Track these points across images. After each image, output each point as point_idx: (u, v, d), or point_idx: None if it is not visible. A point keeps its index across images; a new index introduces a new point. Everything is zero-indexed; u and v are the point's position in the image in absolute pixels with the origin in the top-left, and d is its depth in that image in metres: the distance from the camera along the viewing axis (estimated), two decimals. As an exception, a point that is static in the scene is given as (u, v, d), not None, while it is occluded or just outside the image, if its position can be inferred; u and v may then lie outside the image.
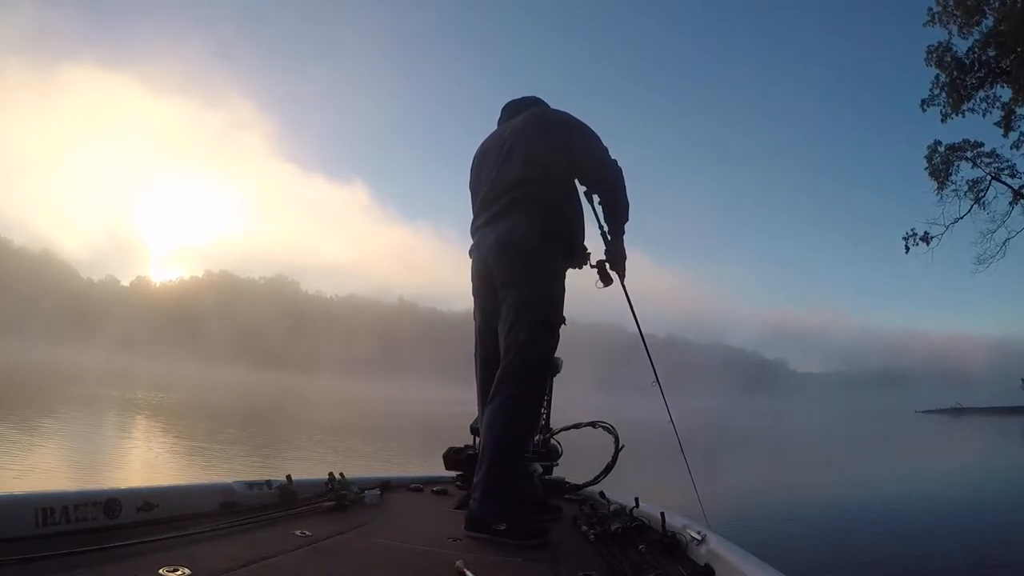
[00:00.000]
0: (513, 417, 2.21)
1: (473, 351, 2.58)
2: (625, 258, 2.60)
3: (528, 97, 2.74)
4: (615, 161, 2.50)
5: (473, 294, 2.58)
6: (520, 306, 2.27)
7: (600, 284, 2.62)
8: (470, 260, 2.59)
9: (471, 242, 2.59)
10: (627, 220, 2.56)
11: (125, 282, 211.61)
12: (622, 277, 2.63)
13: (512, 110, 2.69)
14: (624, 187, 2.52)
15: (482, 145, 2.67)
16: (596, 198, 2.56)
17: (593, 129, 2.50)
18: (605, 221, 2.57)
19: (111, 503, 1.77)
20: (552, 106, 2.72)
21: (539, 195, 2.36)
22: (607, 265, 2.59)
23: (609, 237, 2.57)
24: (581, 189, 2.54)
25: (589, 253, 2.58)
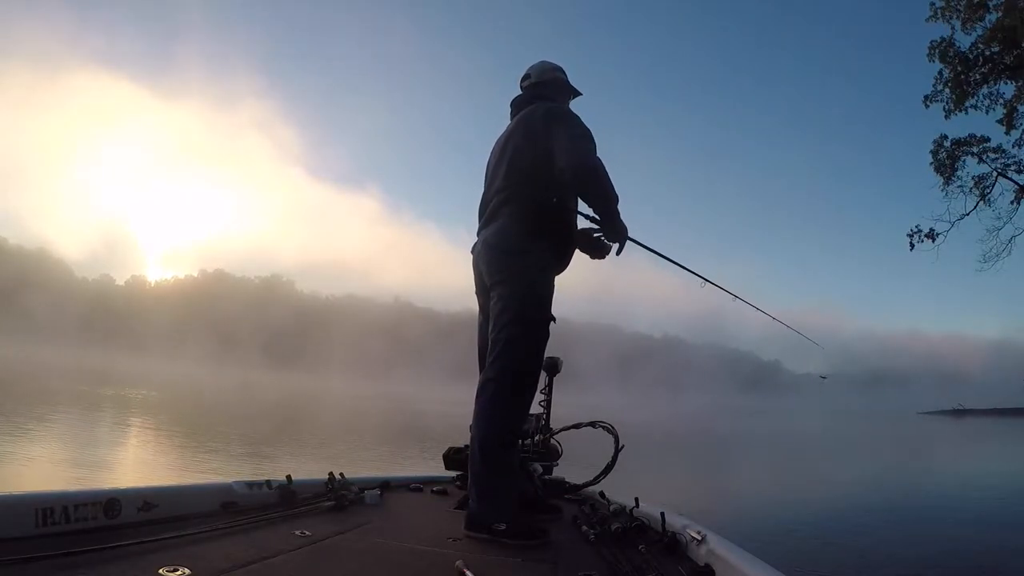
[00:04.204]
0: (496, 415, 2.24)
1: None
2: (625, 233, 2.43)
3: (536, 84, 2.66)
4: (593, 159, 2.33)
5: (476, 294, 2.62)
6: (503, 305, 2.32)
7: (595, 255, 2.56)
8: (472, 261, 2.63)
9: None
10: (616, 201, 2.39)
11: (120, 281, 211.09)
12: (621, 246, 2.46)
13: (516, 106, 2.68)
14: (599, 183, 2.33)
15: (493, 148, 2.69)
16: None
17: (579, 126, 2.40)
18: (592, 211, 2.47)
19: (111, 503, 1.77)
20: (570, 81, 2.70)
21: (524, 196, 2.38)
22: (602, 238, 2.49)
23: (599, 219, 2.44)
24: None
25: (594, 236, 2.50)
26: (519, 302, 2.31)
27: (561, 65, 2.74)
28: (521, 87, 2.72)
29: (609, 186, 2.35)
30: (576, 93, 2.75)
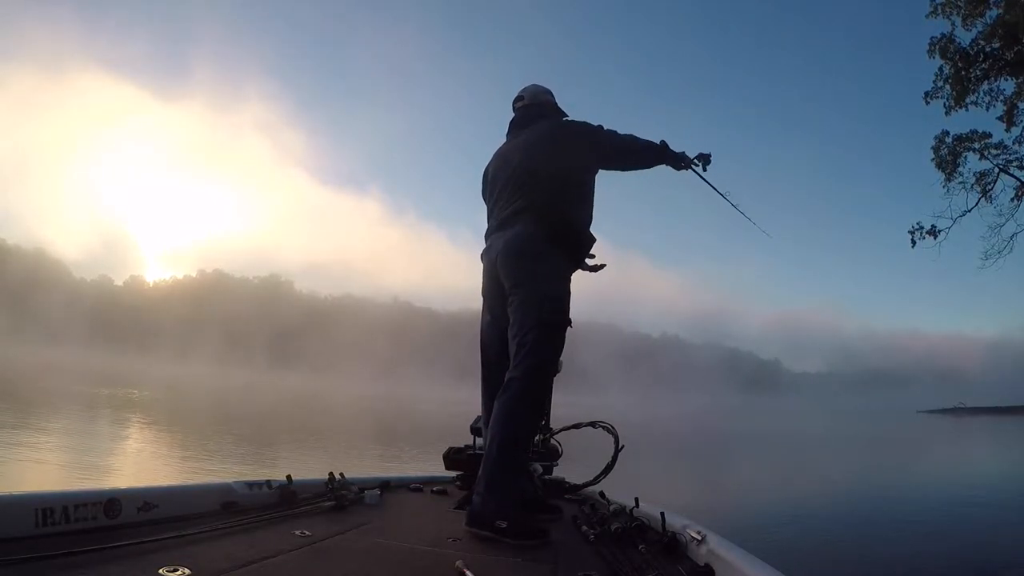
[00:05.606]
0: (517, 414, 2.28)
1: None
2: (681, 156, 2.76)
3: (531, 106, 2.81)
4: (614, 136, 2.60)
5: (482, 295, 2.66)
6: (524, 309, 2.36)
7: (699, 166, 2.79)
8: (482, 263, 2.67)
9: (483, 245, 2.69)
10: (664, 149, 2.70)
11: (119, 281, 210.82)
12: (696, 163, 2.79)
13: (519, 124, 2.79)
14: (648, 150, 2.66)
15: (494, 158, 2.78)
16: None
17: (585, 123, 2.60)
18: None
19: (111, 503, 1.77)
20: (558, 103, 2.86)
21: (545, 203, 2.46)
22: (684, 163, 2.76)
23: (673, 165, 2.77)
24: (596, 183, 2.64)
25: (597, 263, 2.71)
26: (541, 306, 2.35)
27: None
28: (514, 108, 2.85)
29: (651, 149, 2.69)
30: (563, 114, 2.86)
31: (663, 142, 2.70)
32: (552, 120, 2.74)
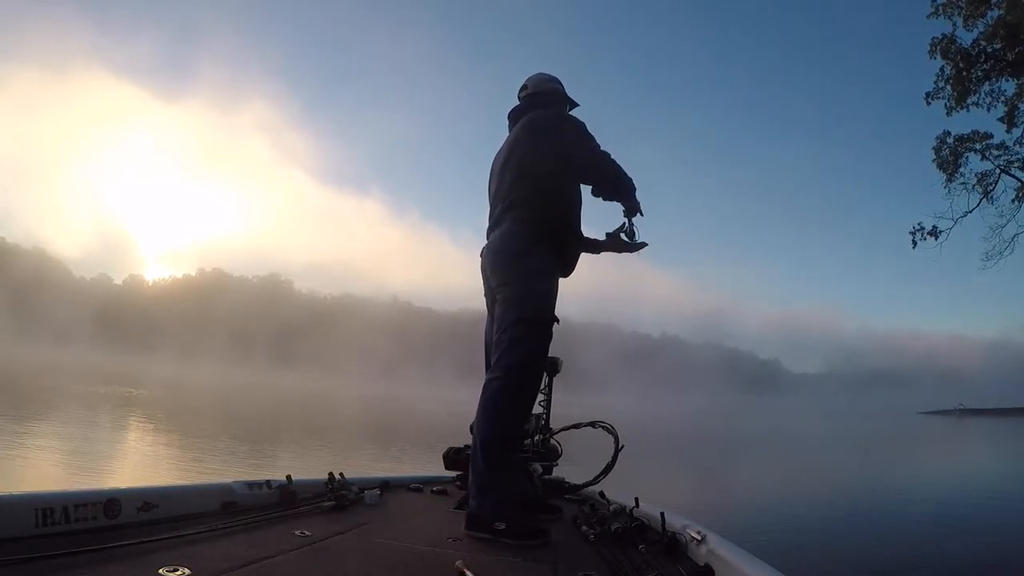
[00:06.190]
0: (498, 414, 2.26)
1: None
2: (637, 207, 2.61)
3: (535, 95, 2.73)
4: (596, 151, 2.50)
5: (484, 296, 2.64)
6: (506, 307, 2.35)
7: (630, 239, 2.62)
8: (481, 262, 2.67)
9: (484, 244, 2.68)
10: (634, 190, 2.57)
11: (118, 280, 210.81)
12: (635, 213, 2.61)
13: (515, 116, 2.73)
14: (612, 170, 2.52)
15: (495, 157, 2.73)
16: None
17: (578, 124, 2.52)
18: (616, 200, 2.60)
19: (111, 503, 1.77)
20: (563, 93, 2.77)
21: (529, 200, 2.42)
22: (627, 223, 2.60)
23: (624, 205, 2.60)
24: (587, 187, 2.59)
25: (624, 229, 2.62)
26: (521, 304, 2.33)
27: (557, 76, 2.78)
28: (519, 98, 2.77)
29: (623, 181, 2.54)
30: (573, 104, 2.79)
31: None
32: (557, 110, 2.67)
